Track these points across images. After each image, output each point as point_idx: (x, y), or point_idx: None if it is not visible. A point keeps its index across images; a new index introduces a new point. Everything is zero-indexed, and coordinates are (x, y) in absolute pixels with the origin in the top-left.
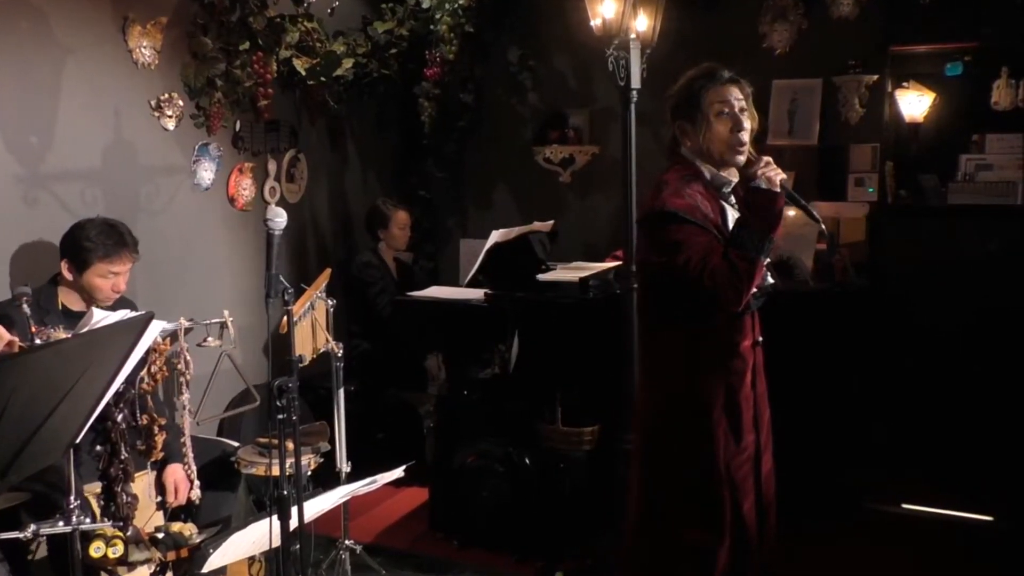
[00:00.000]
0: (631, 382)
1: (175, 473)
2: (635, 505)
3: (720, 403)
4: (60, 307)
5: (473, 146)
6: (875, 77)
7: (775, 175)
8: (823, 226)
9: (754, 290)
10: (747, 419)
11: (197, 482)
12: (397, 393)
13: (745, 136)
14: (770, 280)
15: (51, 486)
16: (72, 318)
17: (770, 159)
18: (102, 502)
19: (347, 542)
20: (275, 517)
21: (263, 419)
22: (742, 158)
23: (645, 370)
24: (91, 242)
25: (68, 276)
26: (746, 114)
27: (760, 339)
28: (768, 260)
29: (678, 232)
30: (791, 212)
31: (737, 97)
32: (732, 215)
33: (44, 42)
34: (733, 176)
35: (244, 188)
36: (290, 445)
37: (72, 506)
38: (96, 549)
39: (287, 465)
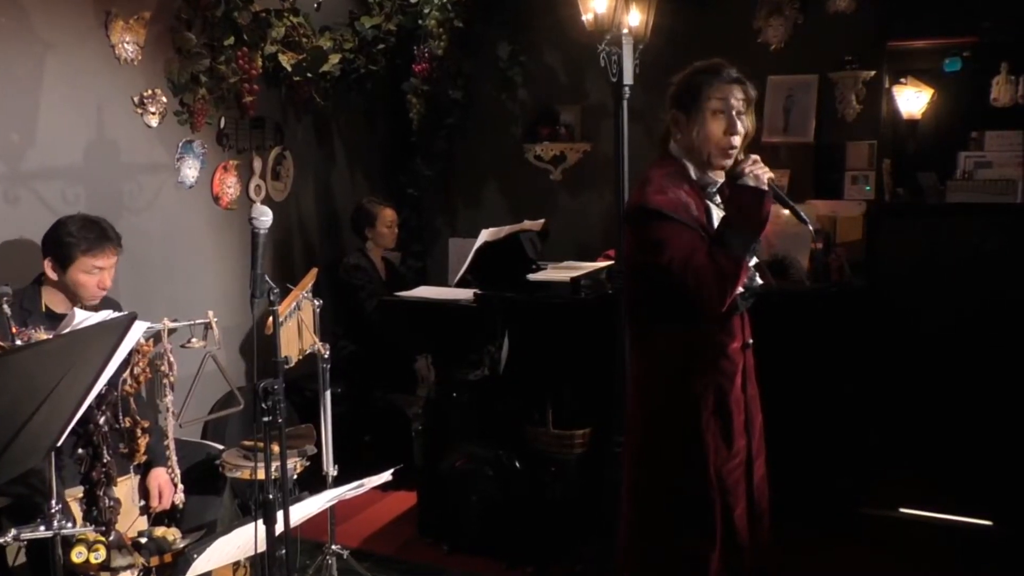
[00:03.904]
0: (623, 384)
1: (159, 477)
2: (627, 510)
3: (710, 406)
4: (44, 309)
5: (462, 143)
6: (872, 73)
7: (763, 173)
8: (811, 228)
9: (741, 290)
10: (738, 423)
11: (181, 486)
12: (385, 395)
13: (736, 140)
14: (758, 281)
15: (32, 490)
16: (55, 320)
17: (757, 157)
18: (84, 506)
19: (334, 547)
20: (260, 521)
21: (248, 422)
22: (729, 162)
23: (634, 372)
24: (73, 237)
25: (52, 275)
26: (743, 118)
27: (750, 341)
28: (756, 261)
29: (661, 230)
30: (786, 211)
31: (738, 98)
32: (718, 214)
33: (25, 37)
34: (719, 176)
35: (229, 186)
36: (276, 448)
37: (53, 510)
38: (78, 554)
39: (273, 468)
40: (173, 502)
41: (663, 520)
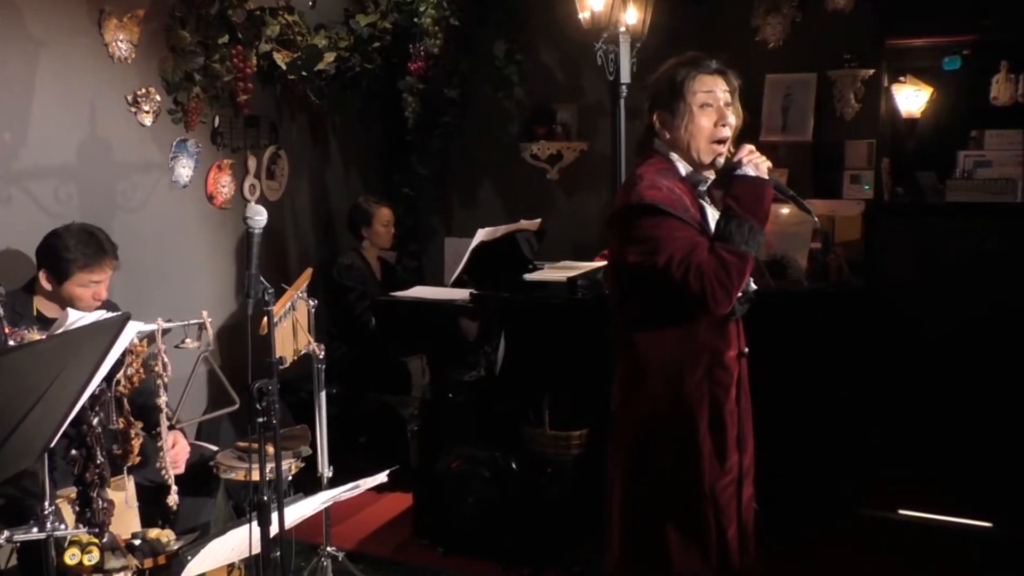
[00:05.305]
0: None
1: (175, 436)
2: (619, 525)
3: (705, 417)
4: (35, 313)
5: (458, 142)
6: (871, 71)
7: (761, 162)
8: (815, 217)
9: (738, 294)
10: (731, 437)
11: (175, 487)
12: (380, 396)
13: (727, 132)
14: (752, 286)
15: (24, 491)
16: (46, 324)
17: (752, 147)
18: (77, 508)
19: (329, 549)
20: (255, 523)
21: (242, 423)
22: (721, 159)
23: (622, 381)
24: (70, 252)
25: (47, 286)
26: (731, 109)
27: (746, 350)
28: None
29: (657, 227)
30: (784, 210)
31: (724, 89)
32: (712, 213)
33: (17, 35)
34: (709, 174)
35: (223, 185)
36: (270, 449)
37: (46, 512)
38: (71, 556)
39: (267, 470)
40: (167, 503)
41: (658, 540)
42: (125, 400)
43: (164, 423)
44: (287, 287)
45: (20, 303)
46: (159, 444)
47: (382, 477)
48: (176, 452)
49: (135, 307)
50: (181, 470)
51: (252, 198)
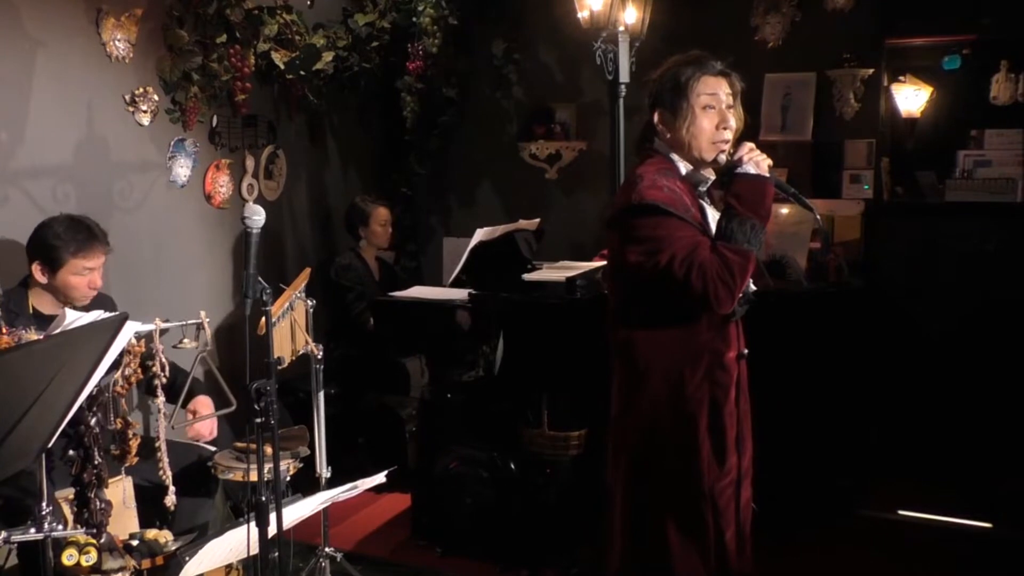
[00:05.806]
0: None
1: (199, 401)
2: (620, 530)
3: (704, 419)
4: (31, 311)
5: (457, 142)
6: (871, 71)
7: (762, 160)
8: (818, 216)
9: (740, 293)
10: (730, 438)
11: (172, 488)
12: (378, 396)
13: (729, 135)
14: (752, 286)
15: (22, 491)
16: (43, 322)
17: (752, 144)
18: (75, 508)
19: (327, 549)
20: (253, 524)
21: (240, 423)
22: (723, 156)
23: (623, 383)
24: (60, 239)
25: (41, 279)
26: (732, 112)
27: (745, 351)
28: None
29: (659, 227)
30: (784, 210)
31: (727, 92)
32: (712, 213)
33: (14, 35)
34: (709, 174)
35: (221, 185)
36: (268, 450)
37: (44, 512)
38: (69, 557)
39: (265, 470)
40: (164, 504)
41: (659, 541)
42: (122, 400)
43: (162, 423)
44: (285, 287)
45: (16, 300)
46: (157, 445)
47: (380, 478)
48: (200, 428)
49: (133, 307)
50: (215, 435)
51: (250, 198)
